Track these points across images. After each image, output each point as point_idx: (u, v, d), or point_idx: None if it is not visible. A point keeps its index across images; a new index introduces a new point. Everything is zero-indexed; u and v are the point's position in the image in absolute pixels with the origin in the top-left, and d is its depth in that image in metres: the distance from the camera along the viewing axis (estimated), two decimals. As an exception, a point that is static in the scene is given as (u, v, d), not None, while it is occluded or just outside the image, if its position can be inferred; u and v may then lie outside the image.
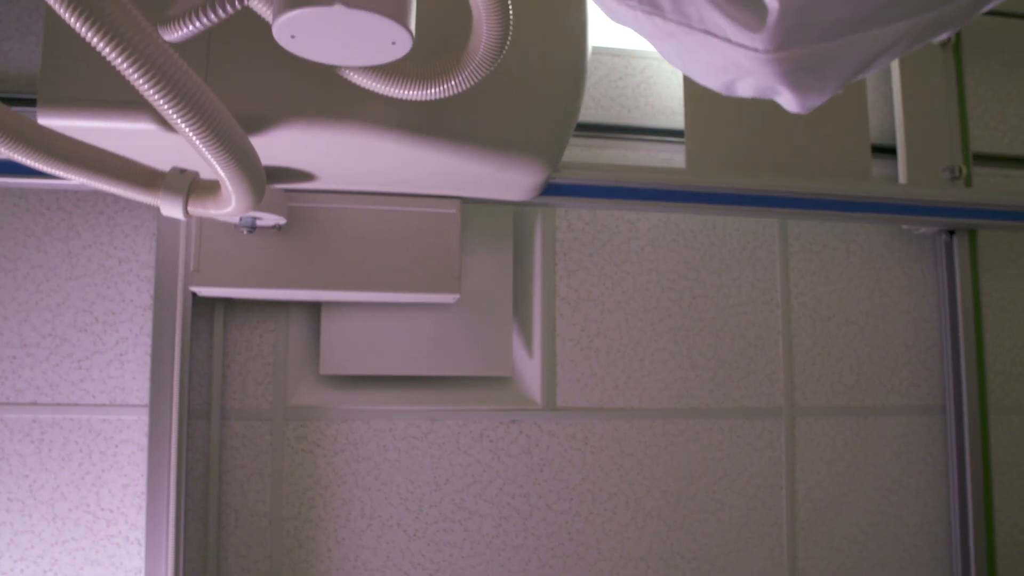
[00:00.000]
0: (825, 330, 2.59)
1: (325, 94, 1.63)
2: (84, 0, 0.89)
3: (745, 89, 0.78)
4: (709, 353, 2.49)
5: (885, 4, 0.71)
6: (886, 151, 2.64)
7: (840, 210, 2.37)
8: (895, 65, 2.63)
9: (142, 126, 1.55)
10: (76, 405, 2.16)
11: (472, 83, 1.30)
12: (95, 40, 0.92)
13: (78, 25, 0.91)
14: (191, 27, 0.75)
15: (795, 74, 0.73)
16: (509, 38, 1.27)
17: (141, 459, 2.15)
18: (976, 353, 2.58)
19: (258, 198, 1.39)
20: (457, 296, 2.09)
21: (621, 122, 2.51)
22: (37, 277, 2.16)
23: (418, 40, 0.98)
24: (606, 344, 2.45)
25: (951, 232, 2.59)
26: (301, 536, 2.24)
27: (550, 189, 2.16)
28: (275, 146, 1.71)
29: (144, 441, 2.14)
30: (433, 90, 1.29)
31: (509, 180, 1.97)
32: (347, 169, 1.91)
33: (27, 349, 2.15)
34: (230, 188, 1.32)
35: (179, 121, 1.07)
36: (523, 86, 1.83)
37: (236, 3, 0.75)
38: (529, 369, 2.40)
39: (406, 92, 1.31)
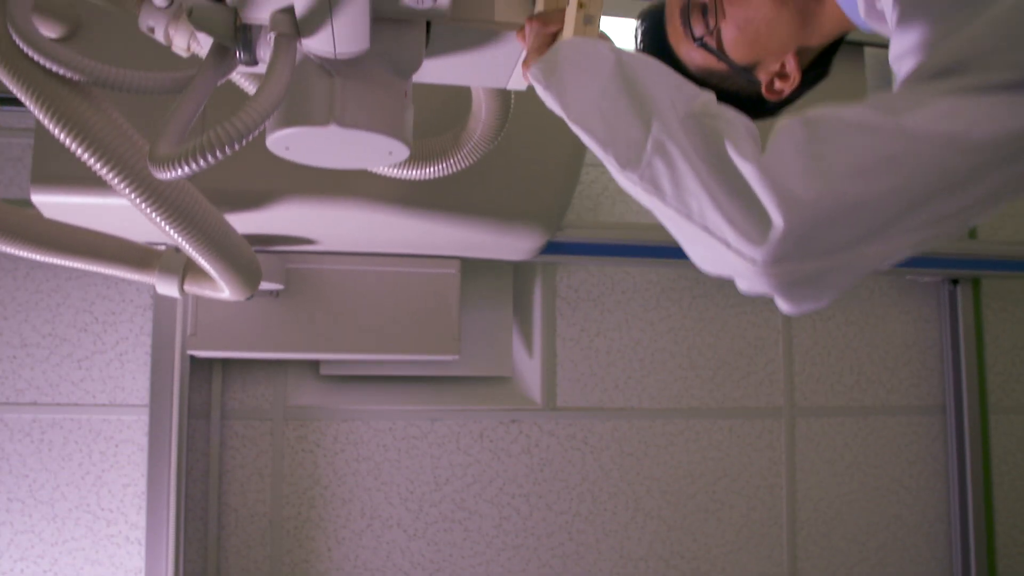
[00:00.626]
0: (825, 330, 2.59)
1: (323, 172, 1.63)
2: (65, 111, 0.89)
3: (740, 286, 0.77)
4: (709, 353, 2.49)
5: (888, 223, 0.70)
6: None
7: None
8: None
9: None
10: (76, 405, 2.15)
11: (470, 162, 1.29)
12: (80, 152, 0.93)
13: (63, 137, 0.91)
14: (184, 169, 0.73)
15: (792, 287, 0.72)
16: (508, 119, 1.25)
17: (141, 459, 2.15)
18: (976, 353, 2.58)
19: (252, 289, 1.39)
20: (456, 356, 2.08)
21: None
22: (37, 277, 2.16)
23: (417, 116, 0.98)
24: (606, 344, 2.45)
25: (955, 281, 2.59)
26: (301, 536, 2.24)
27: (551, 247, 2.13)
28: (275, 219, 1.72)
29: (144, 441, 2.14)
30: (431, 169, 1.28)
31: (509, 244, 1.98)
32: (346, 236, 1.92)
33: (27, 349, 2.15)
34: (223, 284, 1.33)
35: (170, 230, 1.09)
36: (522, 156, 1.82)
37: (234, 146, 0.74)
38: (529, 369, 2.40)
39: (405, 172, 1.30)
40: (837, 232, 0.69)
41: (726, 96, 1.07)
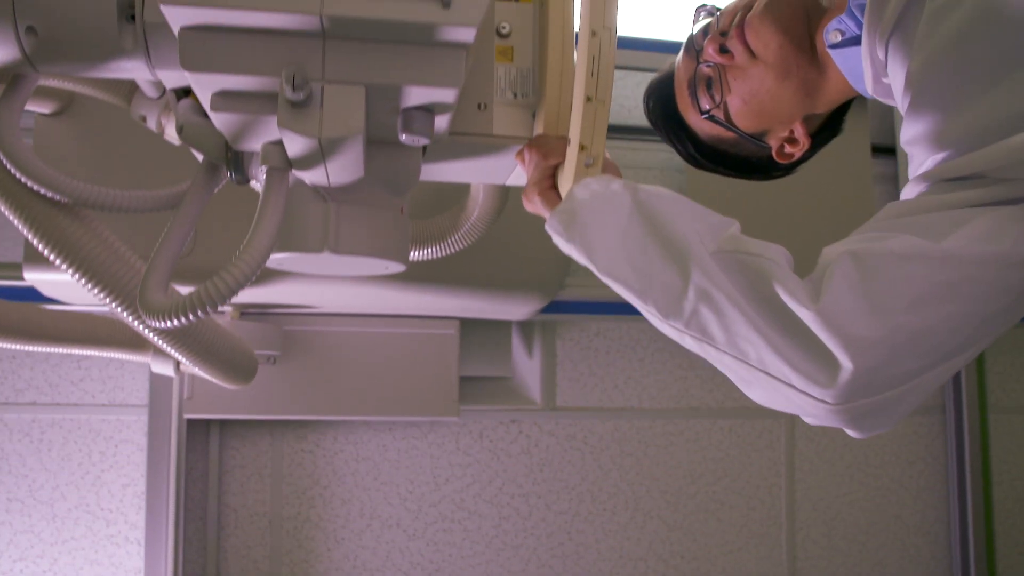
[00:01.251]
0: (825, 330, 2.59)
1: None
2: (53, 233, 0.89)
3: (808, 421, 0.76)
4: (709, 353, 2.49)
5: (956, 347, 0.70)
6: (886, 151, 2.63)
7: None
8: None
9: None
10: (76, 405, 2.15)
11: (468, 244, 1.28)
12: (71, 273, 0.92)
13: (52, 257, 0.90)
14: (177, 322, 0.72)
15: (863, 419, 0.72)
16: (506, 201, 1.23)
17: (141, 459, 2.15)
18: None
19: (246, 383, 1.40)
20: (457, 418, 2.10)
21: (621, 122, 2.51)
22: (37, 277, 2.16)
23: (414, 195, 0.97)
24: (606, 344, 2.45)
25: None
26: (301, 536, 2.24)
27: (551, 306, 2.13)
28: (272, 292, 1.73)
29: (144, 441, 2.14)
30: (429, 251, 1.28)
31: (507, 310, 2.01)
32: (345, 303, 1.95)
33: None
34: (216, 381, 1.34)
35: (163, 345, 1.08)
36: (520, 225, 1.80)
37: (228, 300, 0.72)
38: (529, 369, 2.40)
39: None
40: (906, 363, 0.69)
41: (738, 161, 1.08)
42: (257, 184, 0.84)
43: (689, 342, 0.76)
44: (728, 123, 1.02)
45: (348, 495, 2.27)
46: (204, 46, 0.64)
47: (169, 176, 1.00)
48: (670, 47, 2.22)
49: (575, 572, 2.37)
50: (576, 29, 0.81)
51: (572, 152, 0.81)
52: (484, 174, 1.06)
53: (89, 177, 1.65)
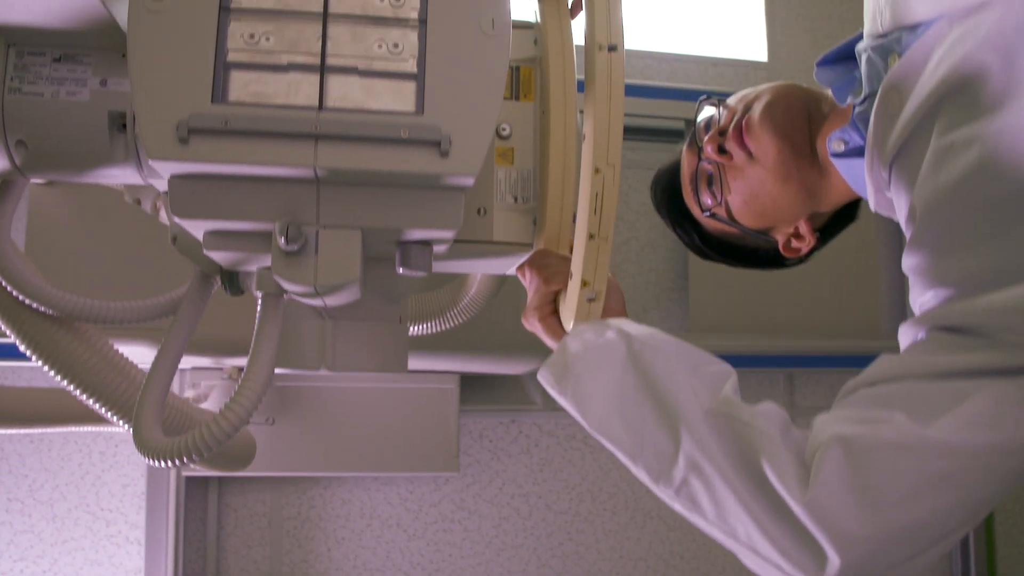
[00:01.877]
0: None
1: None
2: (47, 347, 0.88)
3: None
4: (709, 353, 2.49)
5: (948, 533, 0.68)
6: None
7: (849, 366, 2.35)
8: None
9: (126, 349, 1.58)
10: (76, 405, 2.15)
11: (467, 318, 1.26)
12: (68, 386, 0.91)
13: (48, 370, 0.89)
14: (175, 463, 0.70)
15: None
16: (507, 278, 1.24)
17: (140, 459, 2.14)
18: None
19: (243, 468, 1.40)
20: (456, 472, 2.10)
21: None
22: (37, 277, 2.16)
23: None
24: (606, 344, 2.44)
25: None
26: (301, 536, 2.24)
27: None
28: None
29: (144, 441, 2.14)
30: (427, 325, 1.27)
31: (507, 368, 2.03)
32: None
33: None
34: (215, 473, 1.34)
35: None
36: (519, 291, 1.81)
37: (226, 441, 0.71)
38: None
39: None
40: (896, 554, 0.67)
41: (745, 253, 1.06)
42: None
43: (679, 508, 0.74)
44: (731, 219, 1.00)
45: (348, 495, 2.27)
46: (195, 195, 0.62)
47: (163, 246, 0.99)
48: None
49: (575, 572, 2.37)
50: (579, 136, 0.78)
51: (574, 287, 0.79)
52: (484, 269, 1.05)
53: (84, 246, 1.62)
